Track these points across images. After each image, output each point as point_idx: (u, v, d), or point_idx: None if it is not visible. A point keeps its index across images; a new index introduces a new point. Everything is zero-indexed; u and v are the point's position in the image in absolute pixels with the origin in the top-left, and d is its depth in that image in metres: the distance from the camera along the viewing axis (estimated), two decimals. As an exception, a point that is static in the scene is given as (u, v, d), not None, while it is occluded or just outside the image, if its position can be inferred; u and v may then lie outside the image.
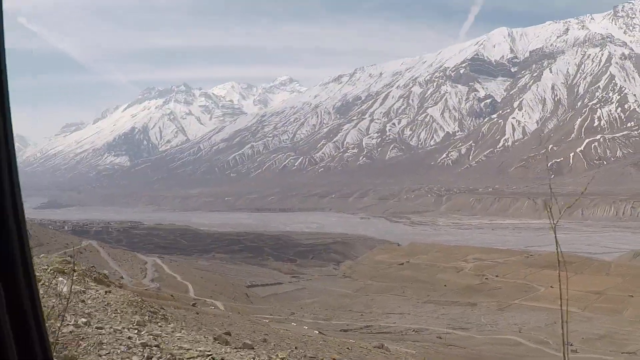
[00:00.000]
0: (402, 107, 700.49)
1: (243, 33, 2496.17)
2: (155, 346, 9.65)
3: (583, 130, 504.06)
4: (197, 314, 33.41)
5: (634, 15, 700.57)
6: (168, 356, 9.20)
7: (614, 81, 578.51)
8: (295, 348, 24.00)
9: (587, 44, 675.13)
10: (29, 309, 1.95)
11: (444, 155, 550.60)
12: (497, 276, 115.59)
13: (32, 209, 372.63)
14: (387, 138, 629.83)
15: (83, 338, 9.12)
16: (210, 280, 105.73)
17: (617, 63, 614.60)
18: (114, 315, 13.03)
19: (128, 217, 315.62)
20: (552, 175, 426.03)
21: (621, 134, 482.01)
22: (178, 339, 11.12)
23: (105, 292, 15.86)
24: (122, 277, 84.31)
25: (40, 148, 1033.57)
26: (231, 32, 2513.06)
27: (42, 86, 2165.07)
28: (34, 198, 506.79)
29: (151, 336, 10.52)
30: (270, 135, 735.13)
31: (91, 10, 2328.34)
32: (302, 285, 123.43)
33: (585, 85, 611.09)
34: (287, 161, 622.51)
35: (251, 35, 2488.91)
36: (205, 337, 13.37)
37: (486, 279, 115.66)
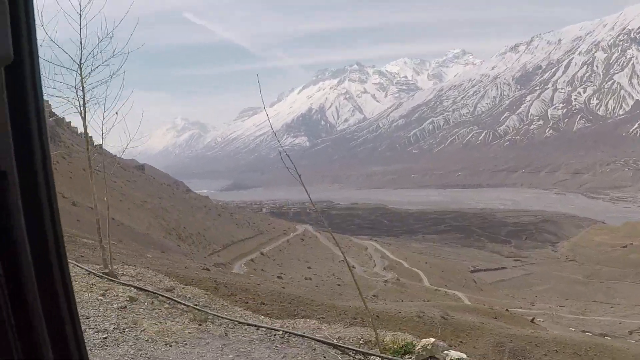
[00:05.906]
0: (586, 74, 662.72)
1: (405, 9, 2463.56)
2: None
3: None
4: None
5: None
6: None
7: None
8: None
9: None
10: (64, 307, 1.87)
11: (636, 126, 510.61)
12: None
13: (218, 191, 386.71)
14: (573, 108, 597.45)
15: None
16: (436, 266, 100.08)
17: None
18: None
19: (316, 197, 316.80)
20: None
21: None
22: None
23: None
24: (353, 267, 79.87)
25: (220, 133, 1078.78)
26: (393, 9, 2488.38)
27: (216, 76, 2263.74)
28: (218, 181, 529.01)
29: None
30: (450, 109, 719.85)
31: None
32: (526, 270, 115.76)
33: None
34: (470, 136, 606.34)
35: (415, 11, 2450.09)
36: None
37: None
